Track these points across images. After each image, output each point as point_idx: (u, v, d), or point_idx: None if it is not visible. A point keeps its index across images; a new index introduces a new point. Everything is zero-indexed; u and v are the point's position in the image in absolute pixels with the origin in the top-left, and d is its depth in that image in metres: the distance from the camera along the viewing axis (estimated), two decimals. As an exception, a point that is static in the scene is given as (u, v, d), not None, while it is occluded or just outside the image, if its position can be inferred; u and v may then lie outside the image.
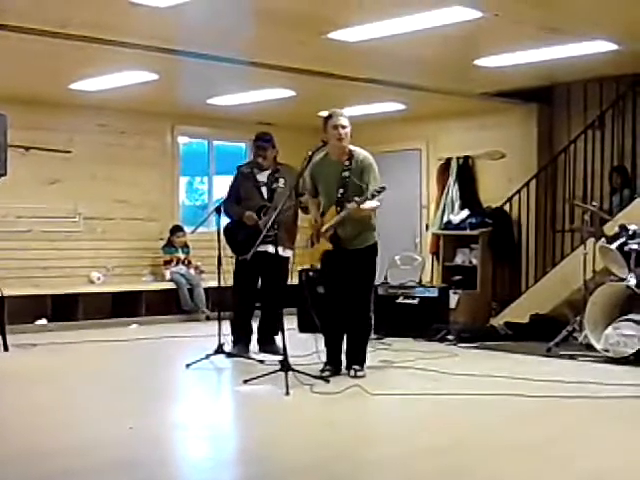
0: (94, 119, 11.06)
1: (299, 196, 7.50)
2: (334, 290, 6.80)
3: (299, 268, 8.95)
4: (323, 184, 6.80)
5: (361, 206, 6.45)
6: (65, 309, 10.33)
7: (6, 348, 8.12)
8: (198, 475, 4.40)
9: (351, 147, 6.72)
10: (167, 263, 11.41)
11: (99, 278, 11.07)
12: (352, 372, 6.69)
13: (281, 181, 7.74)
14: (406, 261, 10.30)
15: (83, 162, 10.94)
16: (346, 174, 6.62)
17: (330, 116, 6.69)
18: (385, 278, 9.69)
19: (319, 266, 6.96)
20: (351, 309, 6.75)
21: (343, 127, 6.61)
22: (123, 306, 10.81)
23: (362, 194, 6.53)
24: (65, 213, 10.90)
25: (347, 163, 6.65)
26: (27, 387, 6.63)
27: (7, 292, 9.05)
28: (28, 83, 9.50)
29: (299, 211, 7.76)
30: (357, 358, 6.78)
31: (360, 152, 6.74)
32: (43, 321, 10.12)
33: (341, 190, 6.62)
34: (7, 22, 6.88)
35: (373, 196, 6.46)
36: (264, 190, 7.81)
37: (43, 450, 4.65)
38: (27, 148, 10.30)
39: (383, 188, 6.47)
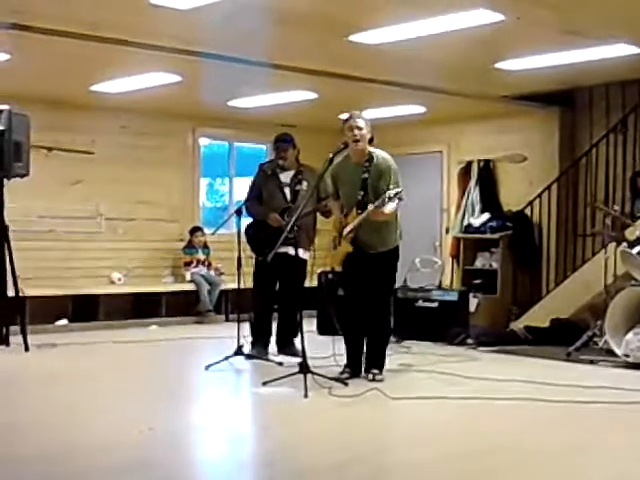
0: (116, 120, 11.12)
1: (320, 200, 7.50)
2: (354, 293, 6.80)
3: (319, 270, 8.95)
4: (344, 186, 6.79)
5: (380, 209, 6.43)
6: (86, 309, 10.38)
7: (27, 348, 8.17)
8: (216, 476, 4.41)
9: (371, 149, 6.70)
10: (187, 264, 11.44)
11: (120, 279, 11.11)
12: (370, 376, 6.67)
13: (304, 183, 7.70)
14: (426, 264, 10.27)
15: (105, 163, 10.99)
16: (365, 176, 6.61)
17: (347, 118, 6.69)
18: (405, 281, 9.67)
19: (339, 269, 6.94)
20: (370, 313, 6.74)
21: (359, 129, 6.59)
22: (143, 307, 10.86)
23: (380, 196, 6.52)
24: (87, 214, 10.95)
25: (366, 164, 6.64)
26: (47, 387, 6.67)
27: (28, 292, 9.13)
28: (51, 84, 9.56)
29: (318, 214, 7.73)
30: (376, 362, 6.77)
31: (379, 154, 6.71)
32: (64, 321, 10.16)
33: (361, 192, 6.60)
34: (31, 24, 6.92)
35: (390, 199, 6.37)
36: (287, 191, 7.80)
37: (63, 450, 4.68)
38: (50, 149, 10.35)
39: (397, 193, 6.38)
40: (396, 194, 6.39)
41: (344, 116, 6.78)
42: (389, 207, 6.48)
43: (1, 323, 8.39)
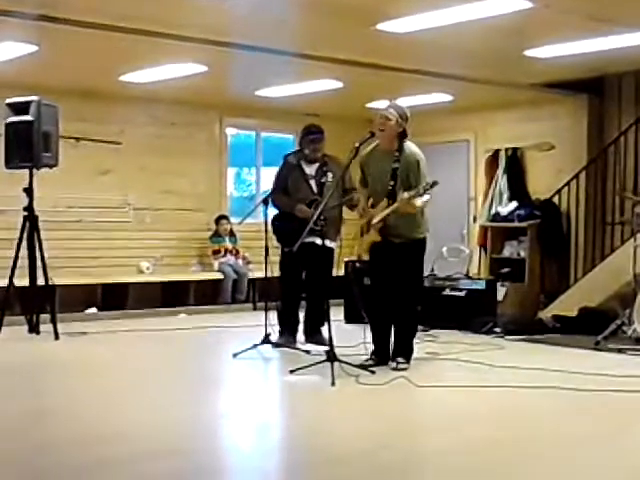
0: (144, 111, 11.19)
1: (345, 191, 7.51)
2: (380, 282, 6.80)
3: (346, 259, 8.95)
4: (373, 174, 6.77)
5: (411, 201, 6.42)
6: (115, 298, 10.46)
7: (57, 336, 8.24)
8: (244, 463, 4.44)
9: (407, 141, 6.67)
10: (215, 253, 11.49)
11: (148, 268, 11.19)
12: (395, 364, 6.67)
13: (329, 175, 7.66)
14: (453, 253, 10.26)
15: (133, 153, 11.07)
16: (396, 165, 6.59)
17: (384, 107, 6.71)
18: (432, 270, 9.66)
19: (366, 257, 6.95)
20: (397, 302, 6.74)
21: (387, 119, 6.56)
22: (172, 295, 10.92)
23: (408, 188, 6.51)
24: (115, 203, 11.04)
25: (397, 154, 6.62)
26: (78, 375, 6.73)
27: (58, 281, 9.19)
28: (80, 75, 9.62)
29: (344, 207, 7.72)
30: (403, 351, 6.77)
31: (409, 146, 6.67)
32: (93, 310, 10.25)
33: (392, 182, 6.59)
34: (59, 15, 6.97)
35: (425, 191, 6.38)
36: (313, 183, 7.78)
37: (90, 437, 4.72)
38: (78, 139, 10.42)
39: (435, 183, 6.35)
40: (432, 185, 6.36)
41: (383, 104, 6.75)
42: (421, 200, 6.47)
43: (31, 311, 8.47)
